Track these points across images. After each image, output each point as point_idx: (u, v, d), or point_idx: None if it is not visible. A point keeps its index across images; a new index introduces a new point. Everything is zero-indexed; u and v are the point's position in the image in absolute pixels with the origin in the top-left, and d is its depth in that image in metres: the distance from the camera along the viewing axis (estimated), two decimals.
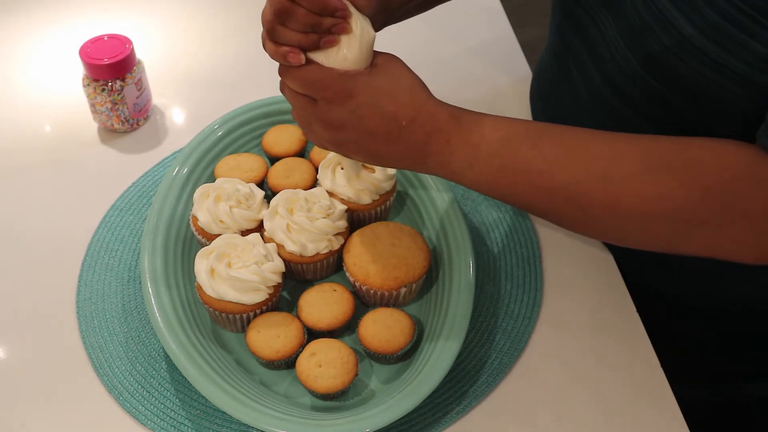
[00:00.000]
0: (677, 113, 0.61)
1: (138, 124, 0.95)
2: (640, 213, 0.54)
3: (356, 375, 0.68)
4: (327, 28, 0.56)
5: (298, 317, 0.72)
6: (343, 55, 0.57)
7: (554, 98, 0.80)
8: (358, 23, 0.57)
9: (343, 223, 0.75)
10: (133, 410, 0.69)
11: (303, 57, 0.57)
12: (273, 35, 0.57)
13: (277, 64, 0.59)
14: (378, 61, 0.59)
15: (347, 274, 0.74)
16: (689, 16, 0.54)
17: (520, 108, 0.99)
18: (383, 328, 0.70)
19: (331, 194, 0.77)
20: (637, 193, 0.54)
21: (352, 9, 0.57)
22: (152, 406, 0.69)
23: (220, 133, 0.85)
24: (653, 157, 0.54)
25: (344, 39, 0.57)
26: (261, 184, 0.82)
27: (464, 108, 0.60)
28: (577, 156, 0.56)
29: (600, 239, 0.60)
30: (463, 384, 0.71)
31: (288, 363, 0.70)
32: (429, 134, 0.58)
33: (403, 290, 0.72)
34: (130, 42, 0.90)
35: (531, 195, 0.57)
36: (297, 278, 0.77)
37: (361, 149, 0.60)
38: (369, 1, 0.58)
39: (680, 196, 0.53)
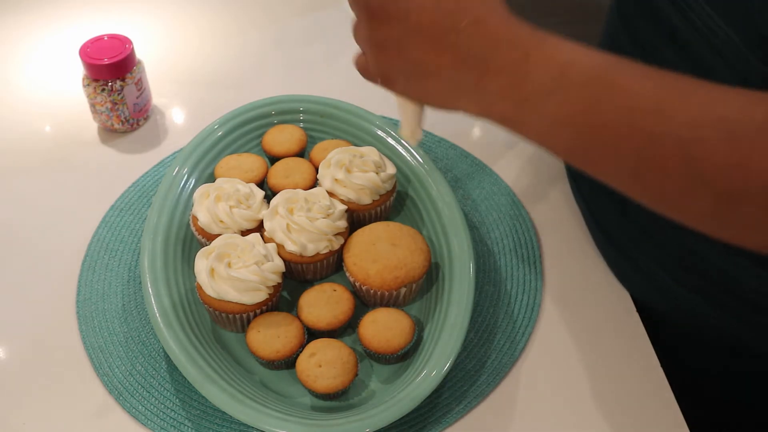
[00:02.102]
0: None
1: (138, 124, 0.95)
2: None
3: (356, 375, 0.68)
4: None
5: (298, 317, 0.72)
6: None
7: None
8: None
9: (343, 223, 0.75)
10: (133, 410, 0.69)
11: None
12: None
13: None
14: None
15: (347, 274, 0.74)
16: None
17: None
18: (383, 328, 0.70)
19: (331, 194, 0.77)
20: None
21: None
22: (152, 406, 0.69)
23: (220, 133, 0.85)
24: None
25: None
26: (261, 184, 0.82)
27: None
28: (695, 95, 0.43)
29: (697, 213, 0.44)
30: (463, 384, 0.71)
31: (288, 363, 0.70)
32: (497, 43, 0.46)
33: (403, 290, 0.72)
34: (130, 42, 0.90)
35: (627, 141, 0.44)
36: (297, 278, 0.77)
37: (402, 56, 0.49)
38: None
39: None
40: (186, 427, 0.68)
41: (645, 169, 0.44)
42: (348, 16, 0.57)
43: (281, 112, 0.89)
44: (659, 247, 0.71)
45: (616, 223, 0.76)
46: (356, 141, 0.87)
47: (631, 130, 0.43)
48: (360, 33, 0.53)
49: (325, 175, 0.79)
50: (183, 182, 0.80)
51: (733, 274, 0.65)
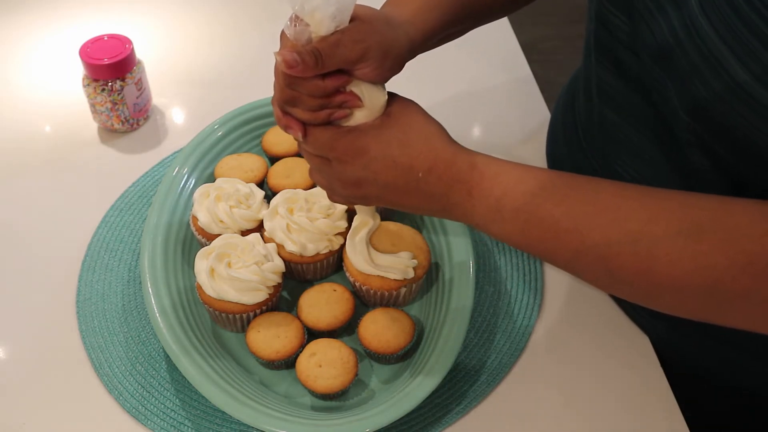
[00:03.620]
0: (723, 165, 0.56)
1: (138, 124, 0.95)
2: (675, 282, 0.49)
3: (356, 375, 0.68)
4: (337, 105, 0.55)
5: (298, 317, 0.72)
6: (354, 119, 0.56)
7: (583, 133, 0.75)
8: (365, 93, 0.55)
9: (343, 223, 0.75)
10: (133, 410, 0.69)
11: (302, 134, 0.57)
12: (285, 111, 0.57)
13: None
14: (392, 109, 0.57)
15: (347, 274, 0.74)
16: (743, 60, 0.48)
17: (520, 109, 0.99)
18: (383, 328, 0.70)
19: None
20: (672, 259, 0.48)
21: (356, 83, 0.55)
22: (152, 406, 0.69)
23: (220, 133, 0.85)
24: (691, 220, 0.49)
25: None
26: (261, 184, 0.82)
27: (486, 154, 0.56)
28: (607, 215, 0.51)
29: (630, 301, 0.56)
30: (463, 384, 0.71)
31: (288, 363, 0.70)
32: (449, 185, 0.55)
33: (403, 290, 0.72)
34: (130, 42, 0.90)
35: (558, 253, 0.54)
36: (297, 278, 0.77)
37: (385, 202, 0.59)
38: (377, 71, 0.55)
39: (720, 265, 0.47)
40: (186, 427, 0.68)
41: (576, 272, 0.55)
42: None
43: None
44: None
45: None
46: None
47: (558, 245, 0.53)
48: (336, 192, 0.60)
49: None
50: (183, 182, 0.80)
51: None
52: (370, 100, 0.55)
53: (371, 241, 0.72)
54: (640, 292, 0.52)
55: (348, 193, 0.59)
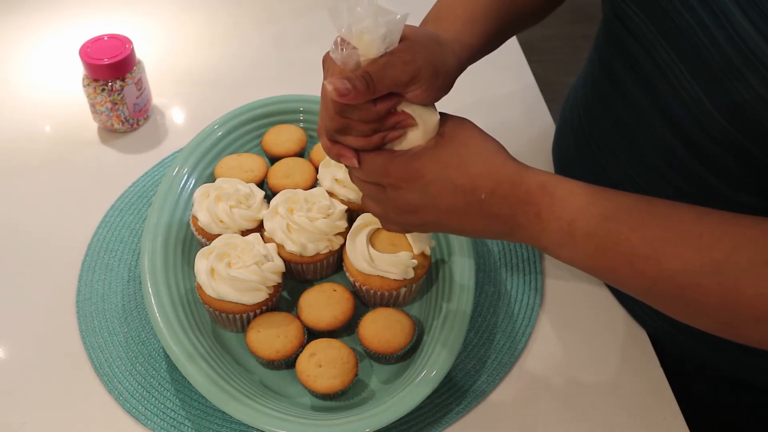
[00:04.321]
0: (758, 169, 0.55)
1: (138, 124, 0.95)
2: (761, 314, 0.47)
3: (356, 375, 0.68)
4: (390, 127, 0.54)
5: (298, 317, 0.72)
6: (407, 141, 0.54)
7: (594, 136, 0.74)
8: (417, 113, 0.53)
9: (343, 223, 0.75)
10: (133, 410, 0.69)
11: (356, 160, 0.55)
12: (333, 140, 0.55)
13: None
14: (445, 129, 0.55)
15: (347, 274, 0.74)
16: None
17: (522, 112, 0.99)
18: (383, 328, 0.70)
19: (331, 194, 0.77)
20: (760, 291, 0.47)
21: (406, 104, 0.53)
22: (152, 406, 0.69)
23: (220, 133, 0.85)
24: None
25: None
26: (261, 184, 0.82)
27: (552, 173, 0.54)
28: (688, 242, 0.49)
29: (709, 332, 0.53)
30: (463, 384, 0.71)
31: (288, 363, 0.70)
32: (514, 206, 0.53)
33: (403, 290, 0.72)
34: (130, 42, 0.90)
35: (633, 280, 0.51)
36: (297, 278, 0.77)
37: (444, 227, 0.56)
38: (429, 92, 0.53)
39: None
40: (186, 427, 0.68)
41: (652, 301, 0.53)
42: None
43: (281, 112, 0.88)
44: None
45: None
46: None
47: (633, 272, 0.51)
48: (392, 220, 0.58)
49: (325, 175, 0.79)
50: (183, 182, 0.80)
51: None
52: (422, 121, 0.54)
53: (371, 241, 0.72)
54: (721, 323, 0.50)
55: (404, 220, 0.56)
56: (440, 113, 0.55)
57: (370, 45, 0.50)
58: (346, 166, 0.56)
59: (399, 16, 0.50)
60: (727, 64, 0.51)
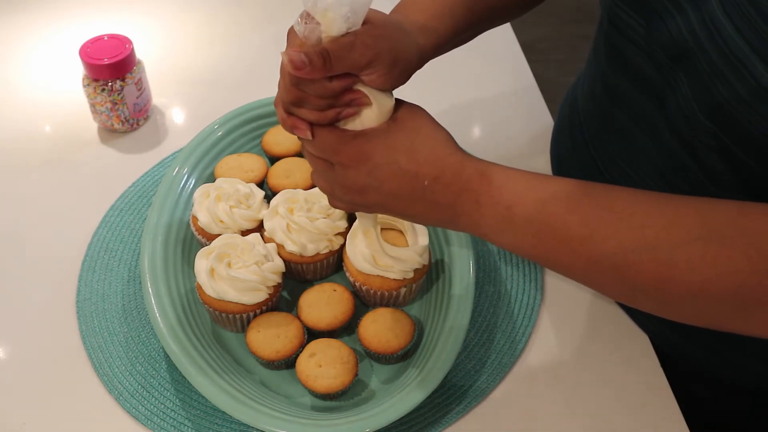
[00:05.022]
0: (741, 169, 0.55)
1: (138, 124, 0.95)
2: (696, 289, 0.47)
3: (356, 375, 0.68)
4: (345, 103, 0.54)
5: (298, 317, 0.72)
6: (360, 121, 0.55)
7: (591, 136, 0.74)
8: (374, 94, 0.54)
9: (343, 223, 0.75)
10: (133, 410, 0.69)
11: (309, 132, 0.55)
12: (289, 112, 0.55)
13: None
14: (398, 114, 0.55)
15: (347, 274, 0.74)
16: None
17: (521, 111, 0.99)
18: (383, 328, 0.70)
19: None
20: (692, 266, 0.47)
21: (363, 84, 0.54)
22: (152, 406, 0.69)
23: (220, 133, 0.85)
24: (710, 225, 0.47)
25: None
26: (261, 184, 0.82)
27: (495, 163, 0.55)
28: (623, 221, 0.49)
29: (647, 311, 0.53)
30: (463, 384, 0.71)
31: (288, 363, 0.70)
32: (456, 193, 0.53)
33: (403, 290, 0.72)
34: (130, 42, 0.90)
35: (572, 262, 0.52)
36: (297, 278, 0.77)
37: (389, 210, 0.57)
38: (384, 78, 0.53)
39: (743, 269, 0.45)
40: (186, 427, 0.68)
41: (593, 283, 0.54)
42: None
43: None
44: None
45: None
46: None
47: (572, 254, 0.51)
48: (338, 197, 0.59)
49: None
50: (183, 182, 0.80)
51: None
52: (377, 103, 0.54)
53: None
54: (658, 301, 0.50)
55: (350, 198, 0.57)
56: (396, 99, 0.56)
57: (332, 23, 0.50)
58: (300, 139, 0.57)
59: None
60: (710, 65, 0.51)
